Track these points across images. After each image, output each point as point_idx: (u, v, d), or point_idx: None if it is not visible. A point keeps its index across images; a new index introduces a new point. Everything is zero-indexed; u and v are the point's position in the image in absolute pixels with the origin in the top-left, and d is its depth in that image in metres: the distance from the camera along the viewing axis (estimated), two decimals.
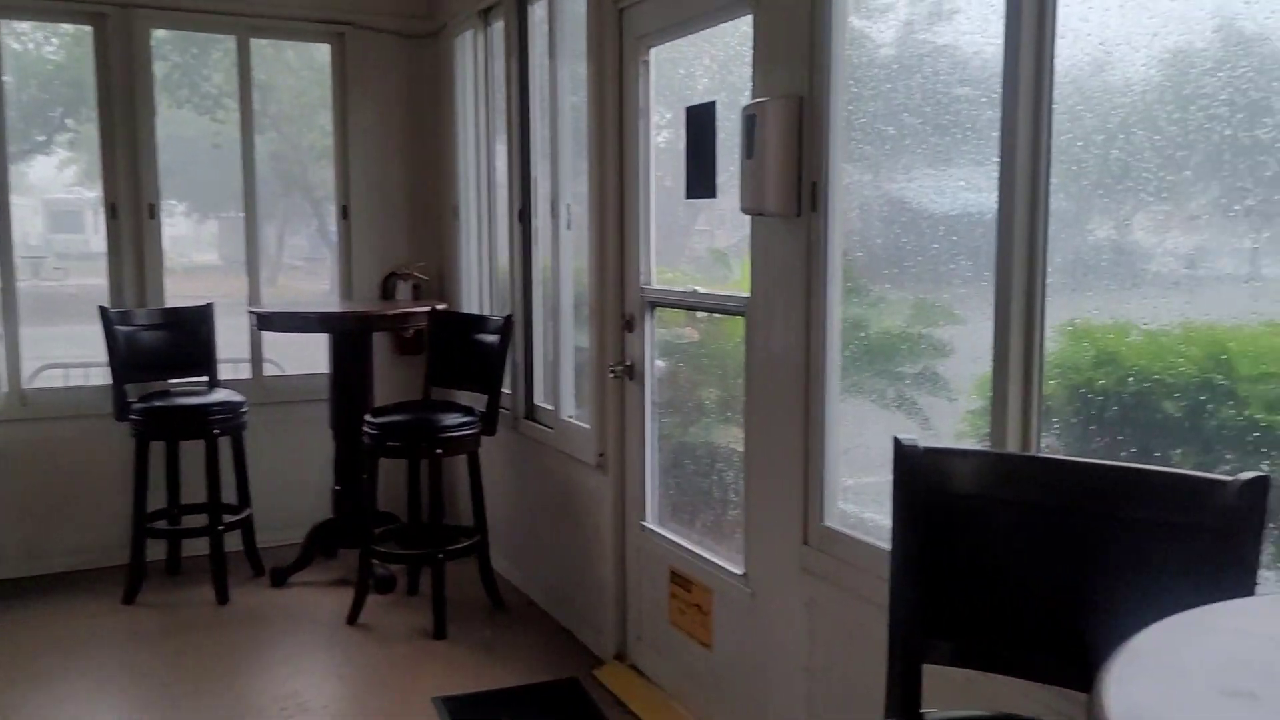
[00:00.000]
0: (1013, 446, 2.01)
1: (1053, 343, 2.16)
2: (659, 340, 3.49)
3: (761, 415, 2.81)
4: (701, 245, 3.82)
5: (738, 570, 2.95)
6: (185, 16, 4.68)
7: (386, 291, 5.04)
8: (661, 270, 3.43)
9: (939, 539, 1.54)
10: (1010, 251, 2.02)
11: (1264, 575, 1.44)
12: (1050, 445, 2.11)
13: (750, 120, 2.57)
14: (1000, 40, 2.01)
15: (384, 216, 5.05)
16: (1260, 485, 1.32)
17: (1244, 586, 1.27)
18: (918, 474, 1.58)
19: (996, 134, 2.04)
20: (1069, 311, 2.19)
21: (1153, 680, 0.77)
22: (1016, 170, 1.99)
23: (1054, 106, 1.97)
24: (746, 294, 2.85)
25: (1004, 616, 1.52)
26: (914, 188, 2.50)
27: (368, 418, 4.00)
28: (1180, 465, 1.93)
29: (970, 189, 2.29)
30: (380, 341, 4.82)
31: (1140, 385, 2.12)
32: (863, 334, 2.69)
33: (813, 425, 2.58)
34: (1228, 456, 1.94)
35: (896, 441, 1.63)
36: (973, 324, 2.35)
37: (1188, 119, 1.90)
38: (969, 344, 2.32)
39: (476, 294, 4.78)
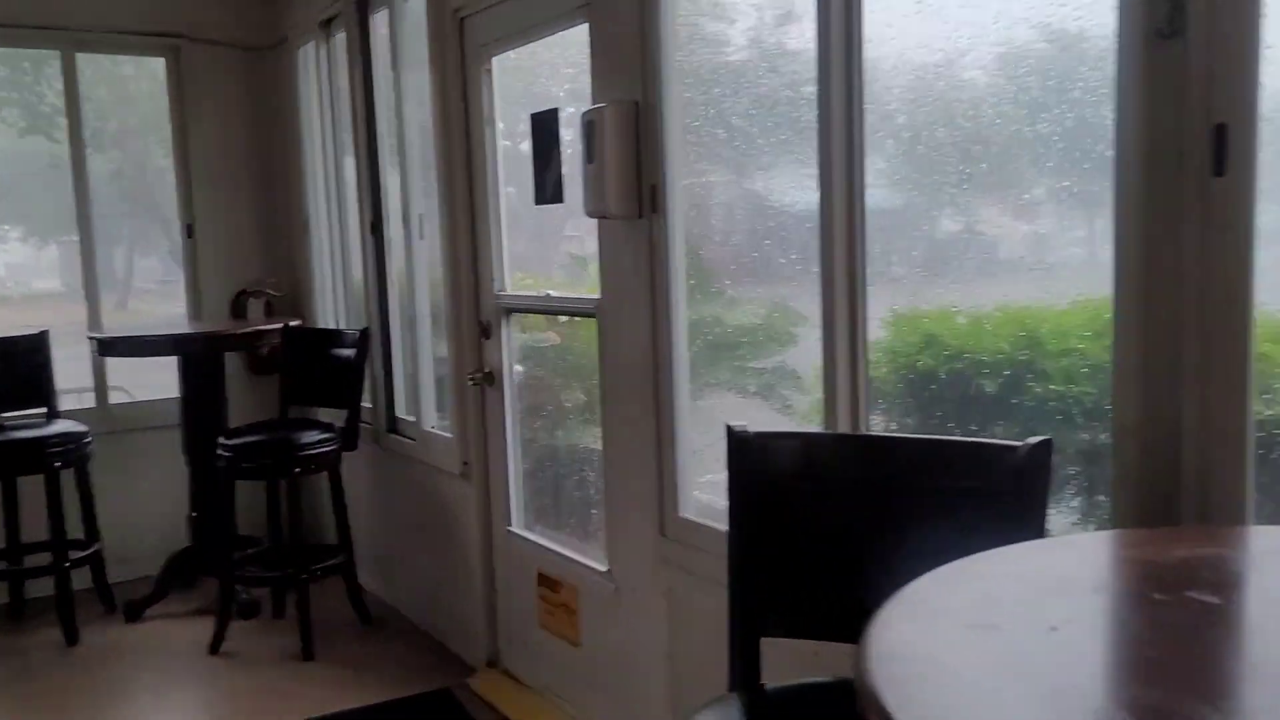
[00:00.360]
0: (844, 428, 2.13)
1: (881, 330, 2.29)
2: (523, 346, 3.52)
3: (617, 414, 2.87)
4: (573, 250, 3.87)
5: (601, 568, 3.00)
6: (4, 32, 4.47)
7: (238, 310, 4.91)
8: (529, 276, 3.46)
9: (770, 517, 1.63)
10: (831, 246, 2.13)
11: (1052, 528, 1.57)
12: (879, 424, 2.24)
13: (590, 125, 2.64)
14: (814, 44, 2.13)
15: (232, 234, 4.92)
16: (1045, 447, 1.45)
17: (1035, 538, 1.39)
18: (749, 458, 1.67)
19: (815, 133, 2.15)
20: (894, 300, 2.32)
21: (913, 621, 0.86)
22: (833, 168, 2.11)
23: (865, 107, 2.09)
24: (597, 296, 2.91)
25: (830, 586, 1.62)
26: (751, 187, 2.61)
27: (221, 440, 3.90)
28: (998, 437, 2.08)
29: (798, 188, 2.40)
30: (234, 362, 4.70)
31: (961, 365, 2.27)
32: (723, 329, 2.78)
33: (664, 421, 2.66)
34: (1037, 426, 2.10)
35: (728, 428, 1.71)
36: (814, 318, 2.47)
37: (980, 115, 2.06)
38: (815, 336, 2.44)
39: (332, 309, 4.70)
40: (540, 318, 3.50)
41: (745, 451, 1.66)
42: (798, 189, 2.39)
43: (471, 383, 3.49)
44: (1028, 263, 2.23)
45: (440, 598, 3.92)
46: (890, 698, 0.65)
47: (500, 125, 3.39)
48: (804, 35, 2.22)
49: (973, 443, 1.54)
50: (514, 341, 3.48)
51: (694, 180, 2.65)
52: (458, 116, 3.44)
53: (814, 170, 2.18)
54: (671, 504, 2.66)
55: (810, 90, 2.17)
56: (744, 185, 2.60)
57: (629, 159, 2.60)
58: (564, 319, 3.46)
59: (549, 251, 3.82)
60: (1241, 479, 1.45)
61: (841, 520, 1.58)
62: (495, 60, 3.34)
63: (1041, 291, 2.18)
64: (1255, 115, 1.42)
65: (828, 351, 2.17)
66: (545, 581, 3.31)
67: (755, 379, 2.90)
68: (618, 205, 2.61)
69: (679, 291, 2.62)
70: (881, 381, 2.37)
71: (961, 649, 0.74)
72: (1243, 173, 1.42)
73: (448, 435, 3.74)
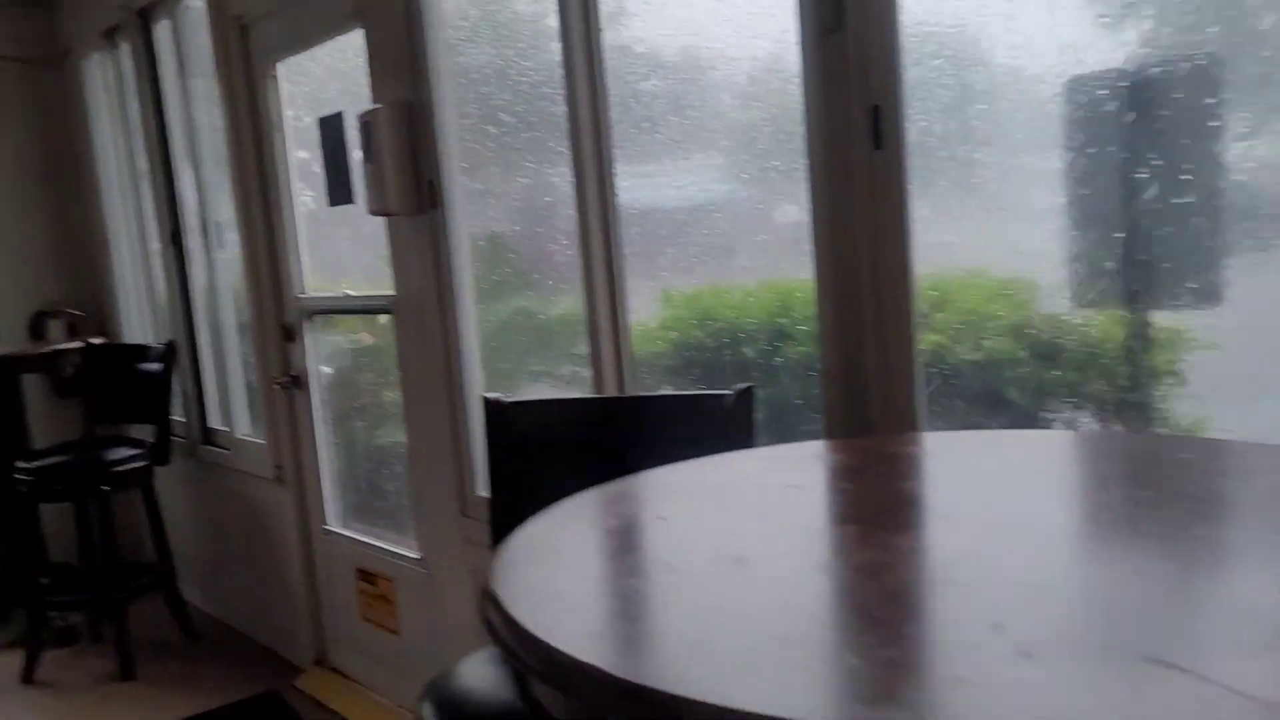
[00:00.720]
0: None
1: (658, 306, 2.47)
2: (336, 347, 3.56)
3: (418, 405, 2.97)
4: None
5: (415, 555, 3.10)
6: None
7: (37, 331, 4.75)
8: (340, 279, 3.50)
9: (522, 478, 1.78)
10: (588, 233, 2.30)
11: None
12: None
13: (367, 126, 2.73)
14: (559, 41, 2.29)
15: (26, 253, 4.74)
16: (748, 394, 1.65)
17: None
18: (504, 424, 1.81)
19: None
20: (669, 280, 2.52)
21: (548, 523, 1.02)
22: (584, 158, 2.28)
23: (610, 99, 2.27)
24: (392, 292, 3.01)
25: None
26: (547, 180, 2.75)
27: (19, 464, 3.79)
28: (762, 395, 2.29)
29: (562, 179, 2.56)
30: (36, 386, 4.55)
31: (727, 336, 2.47)
32: (545, 319, 2.91)
33: (457, 405, 2.78)
34: (786, 381, 2.33)
35: (484, 398, 1.85)
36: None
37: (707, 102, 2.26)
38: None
39: (139, 323, 4.61)
40: (356, 319, 3.56)
41: (498, 418, 1.80)
42: (563, 181, 2.55)
43: (278, 386, 3.52)
44: (785, 240, 2.45)
45: (264, 603, 3.93)
46: (505, 590, 0.78)
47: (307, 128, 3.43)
48: (550, 27, 2.37)
49: (689, 395, 1.73)
50: (320, 343, 3.53)
51: (473, 176, 2.78)
52: (248, 123, 3.46)
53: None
54: (470, 483, 2.79)
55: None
56: (536, 179, 2.74)
57: (406, 157, 2.70)
58: (382, 320, 3.52)
59: (365, 253, 3.87)
60: (912, 402, 1.69)
61: (583, 474, 1.73)
62: (281, 66, 3.38)
63: (798, 265, 2.41)
64: (902, 97, 1.65)
65: (591, 331, 2.34)
66: (364, 576, 3.38)
67: (577, 365, 3.05)
68: (398, 202, 2.71)
69: (465, 284, 2.75)
70: (658, 355, 2.57)
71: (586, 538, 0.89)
72: (895, 147, 1.66)
73: (260, 441, 3.75)
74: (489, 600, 0.82)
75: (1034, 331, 1.90)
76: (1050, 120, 1.66)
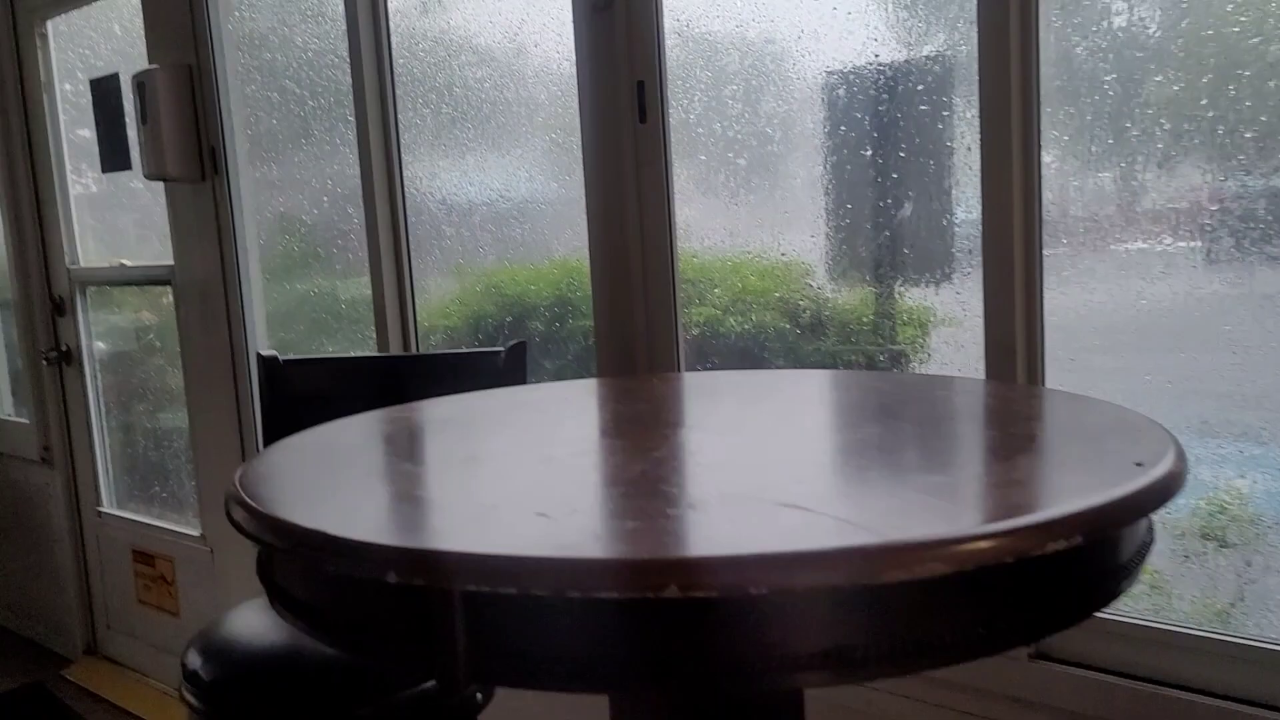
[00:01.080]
0: None
1: (452, 282, 2.52)
2: (114, 326, 3.40)
3: (201, 382, 2.90)
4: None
5: (195, 533, 3.02)
6: None
7: None
8: (124, 252, 3.34)
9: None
10: (374, 213, 2.33)
11: None
12: None
13: (141, 88, 2.65)
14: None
15: None
16: (520, 348, 1.74)
17: None
18: (280, 382, 1.83)
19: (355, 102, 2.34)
20: (460, 258, 2.57)
21: (283, 451, 1.09)
22: (370, 140, 2.31)
23: (397, 75, 2.31)
24: (170, 262, 2.92)
25: None
26: (317, 156, 2.73)
27: None
28: (542, 363, 2.39)
29: (354, 155, 2.57)
30: None
31: (519, 310, 2.55)
32: (348, 299, 2.88)
33: (241, 382, 2.74)
34: (572, 349, 2.43)
35: (259, 355, 1.86)
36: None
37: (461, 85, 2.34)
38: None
39: None
40: (139, 297, 3.41)
41: (274, 377, 1.81)
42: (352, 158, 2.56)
43: (46, 361, 3.34)
44: (575, 217, 2.56)
45: (29, 593, 3.70)
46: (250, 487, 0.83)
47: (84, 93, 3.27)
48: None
49: (464, 352, 1.80)
50: (98, 321, 3.37)
51: (273, 146, 2.74)
52: (13, 84, 3.26)
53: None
54: (253, 454, 2.75)
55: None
56: (329, 154, 2.72)
57: (185, 121, 2.64)
58: (166, 300, 3.39)
59: (152, 227, 3.71)
60: (675, 362, 1.83)
61: None
62: (50, 24, 3.21)
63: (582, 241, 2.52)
64: (664, 73, 1.78)
65: (377, 310, 2.37)
66: (141, 557, 3.25)
67: (370, 347, 3.04)
68: (176, 167, 2.64)
69: (252, 259, 2.71)
70: (451, 329, 2.62)
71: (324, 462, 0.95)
72: (657, 120, 1.78)
73: (24, 421, 3.54)
74: (231, 498, 0.87)
75: (798, 305, 2.08)
76: (810, 108, 1.83)
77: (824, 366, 1.97)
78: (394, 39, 2.30)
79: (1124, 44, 1.44)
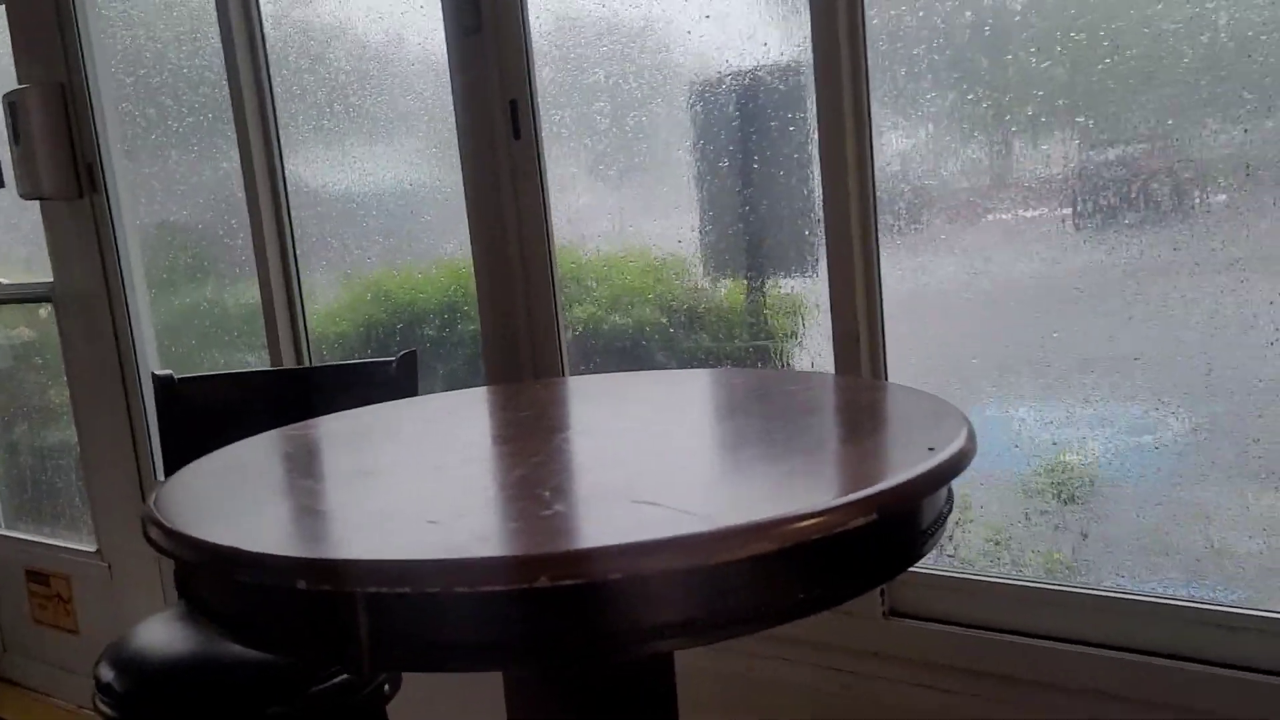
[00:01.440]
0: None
1: (342, 288, 2.57)
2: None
3: (88, 398, 2.89)
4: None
5: (91, 549, 3.02)
6: None
7: None
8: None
9: (197, 451, 1.86)
10: (260, 224, 2.38)
11: None
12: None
13: (13, 107, 2.63)
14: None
15: None
16: (410, 358, 1.83)
17: None
18: (175, 400, 1.88)
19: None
20: (352, 263, 2.62)
21: (200, 475, 1.17)
22: (251, 139, 2.35)
23: (275, 85, 2.36)
24: (50, 279, 2.90)
25: None
26: (200, 166, 2.75)
27: None
28: (435, 368, 2.47)
29: (234, 164, 2.60)
30: None
31: (408, 314, 2.63)
32: (218, 309, 2.89)
33: (133, 397, 2.75)
34: (461, 352, 2.52)
35: (153, 375, 1.90)
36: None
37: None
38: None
39: None
40: (15, 312, 3.35)
41: (168, 395, 1.87)
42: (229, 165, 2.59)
43: None
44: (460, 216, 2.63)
45: None
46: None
47: None
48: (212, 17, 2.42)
49: (356, 363, 1.88)
50: None
51: (152, 158, 2.75)
52: None
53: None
54: (151, 472, 2.77)
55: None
56: (211, 163, 2.73)
57: (59, 139, 2.63)
58: (44, 313, 3.34)
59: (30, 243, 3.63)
60: (559, 362, 1.95)
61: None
62: None
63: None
64: (535, 93, 1.89)
65: (267, 315, 2.42)
66: (35, 577, 3.22)
67: (262, 353, 3.05)
68: (52, 186, 2.63)
69: (137, 273, 2.72)
70: (342, 335, 2.68)
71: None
72: (530, 136, 1.89)
73: None
74: (147, 518, 0.96)
75: (677, 302, 2.22)
76: (679, 114, 1.95)
77: (702, 361, 2.11)
78: (267, 28, 2.33)
79: (992, 15, 1.57)
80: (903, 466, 0.88)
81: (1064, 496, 1.74)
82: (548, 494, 0.92)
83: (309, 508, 0.97)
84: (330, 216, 2.65)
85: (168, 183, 2.82)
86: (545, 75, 1.92)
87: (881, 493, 0.82)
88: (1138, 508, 1.57)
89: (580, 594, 0.77)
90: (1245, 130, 1.36)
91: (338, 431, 1.34)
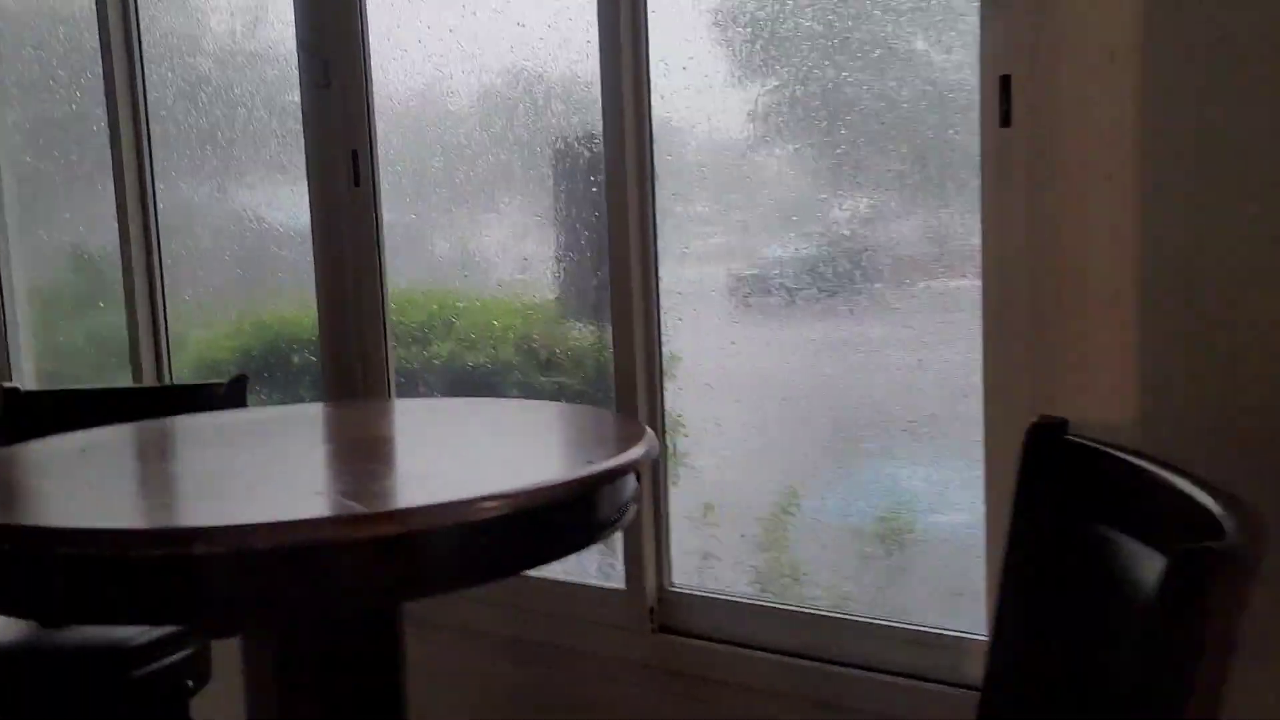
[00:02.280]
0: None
1: (219, 318, 2.70)
2: None
3: None
4: None
5: None
6: None
7: None
8: None
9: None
10: (130, 250, 2.52)
11: None
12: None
13: None
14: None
15: None
16: (240, 382, 1.98)
17: None
18: (19, 409, 2.01)
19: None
20: (223, 290, 2.75)
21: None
22: (125, 170, 2.50)
23: (152, 124, 2.51)
24: None
25: None
26: (84, 187, 2.87)
27: None
28: (308, 397, 2.61)
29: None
30: None
31: (281, 344, 2.75)
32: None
33: None
34: (314, 380, 2.66)
35: (1, 386, 2.03)
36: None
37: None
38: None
39: None
40: None
41: (15, 405, 2.00)
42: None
43: None
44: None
45: None
46: None
47: None
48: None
49: (188, 386, 2.04)
50: None
51: (45, 183, 2.87)
52: None
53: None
54: None
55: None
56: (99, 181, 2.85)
57: None
58: None
59: None
60: (386, 387, 2.11)
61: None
62: None
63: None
64: (375, 143, 2.07)
65: (133, 351, 2.55)
66: None
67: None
68: None
69: (18, 296, 2.84)
70: (216, 362, 2.80)
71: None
72: (369, 184, 2.07)
73: None
74: None
75: (534, 342, 2.38)
76: (540, 169, 2.08)
77: (561, 396, 2.23)
78: (150, 72, 2.48)
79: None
80: (561, 473, 1.06)
81: (887, 537, 1.90)
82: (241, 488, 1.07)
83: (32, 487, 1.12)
84: (201, 249, 2.78)
85: (65, 205, 2.93)
86: (384, 127, 2.10)
87: (513, 494, 0.99)
88: None
89: (291, 561, 0.91)
90: None
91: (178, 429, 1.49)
